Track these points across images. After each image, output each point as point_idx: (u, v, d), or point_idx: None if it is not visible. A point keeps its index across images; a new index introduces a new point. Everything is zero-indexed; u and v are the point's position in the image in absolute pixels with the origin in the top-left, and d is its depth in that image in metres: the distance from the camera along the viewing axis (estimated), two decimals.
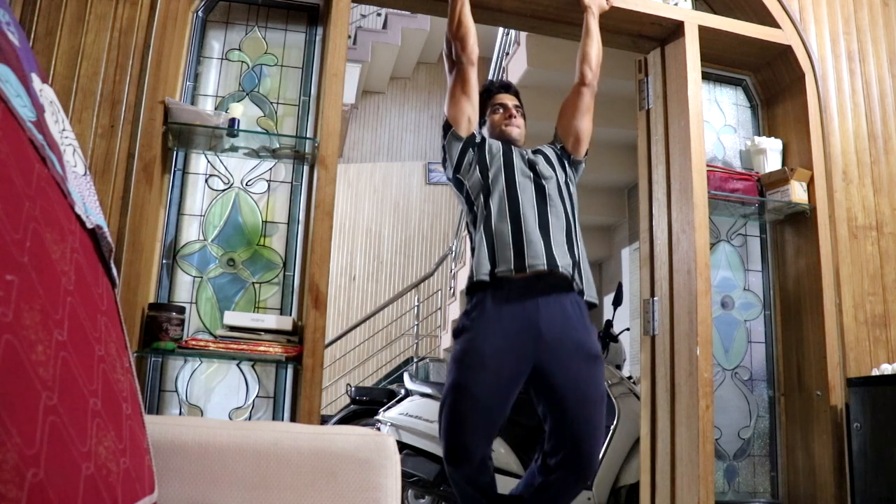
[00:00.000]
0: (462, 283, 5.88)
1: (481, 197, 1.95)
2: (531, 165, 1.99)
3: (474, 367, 1.79)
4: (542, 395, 1.86)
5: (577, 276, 1.88)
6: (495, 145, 2.02)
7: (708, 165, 2.33)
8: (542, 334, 1.80)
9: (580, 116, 2.10)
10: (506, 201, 1.91)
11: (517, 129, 2.09)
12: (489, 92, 2.16)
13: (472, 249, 1.96)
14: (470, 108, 2.00)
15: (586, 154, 2.15)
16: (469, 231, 2.05)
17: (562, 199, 1.97)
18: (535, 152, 2.06)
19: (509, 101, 2.13)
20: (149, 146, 1.89)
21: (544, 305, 1.82)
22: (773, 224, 2.55)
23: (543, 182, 1.96)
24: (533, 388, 1.88)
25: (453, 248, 7.34)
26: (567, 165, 2.08)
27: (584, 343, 1.85)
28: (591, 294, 1.93)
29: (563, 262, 1.86)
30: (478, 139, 2.03)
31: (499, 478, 2.92)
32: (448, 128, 2.02)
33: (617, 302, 3.25)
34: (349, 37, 6.04)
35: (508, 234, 1.86)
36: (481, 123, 2.13)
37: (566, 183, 2.03)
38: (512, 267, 1.83)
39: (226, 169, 2.11)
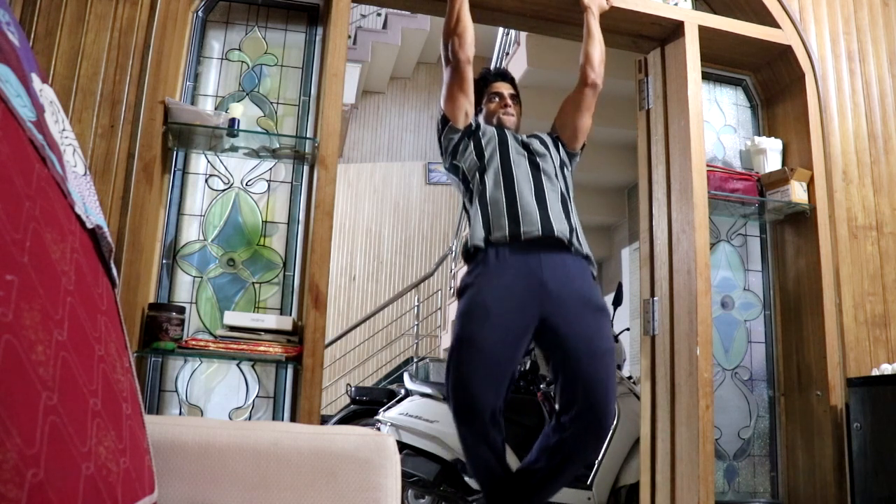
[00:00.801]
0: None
1: (477, 175, 1.98)
2: (525, 146, 2.04)
3: (479, 319, 1.78)
4: (551, 348, 1.85)
5: (574, 240, 1.90)
6: (489, 129, 2.07)
7: (708, 165, 2.33)
8: (546, 286, 1.81)
9: (580, 114, 2.14)
10: (500, 175, 1.94)
11: (512, 117, 2.14)
12: (485, 80, 2.20)
13: (469, 224, 1.98)
14: (467, 104, 2.05)
15: (582, 148, 2.19)
16: (465, 209, 2.07)
17: (556, 177, 2.00)
18: (529, 136, 2.11)
19: (505, 89, 2.17)
20: (149, 146, 1.89)
21: (546, 259, 1.84)
22: (773, 224, 2.55)
23: (538, 159, 2.00)
24: (541, 344, 1.88)
25: (453, 248, 7.34)
26: (561, 152, 2.12)
27: (589, 295, 1.86)
28: (589, 252, 1.96)
29: (560, 227, 1.88)
30: (473, 126, 2.07)
31: None
32: (445, 122, 2.06)
33: (617, 302, 3.25)
34: (349, 37, 6.04)
35: (503, 203, 1.89)
36: (477, 112, 2.17)
37: (560, 166, 2.06)
38: (507, 234, 1.85)
39: (226, 169, 2.11)
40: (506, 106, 2.13)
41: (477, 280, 1.84)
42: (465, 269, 1.99)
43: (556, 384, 1.86)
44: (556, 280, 1.83)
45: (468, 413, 1.77)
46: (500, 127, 2.09)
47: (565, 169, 2.08)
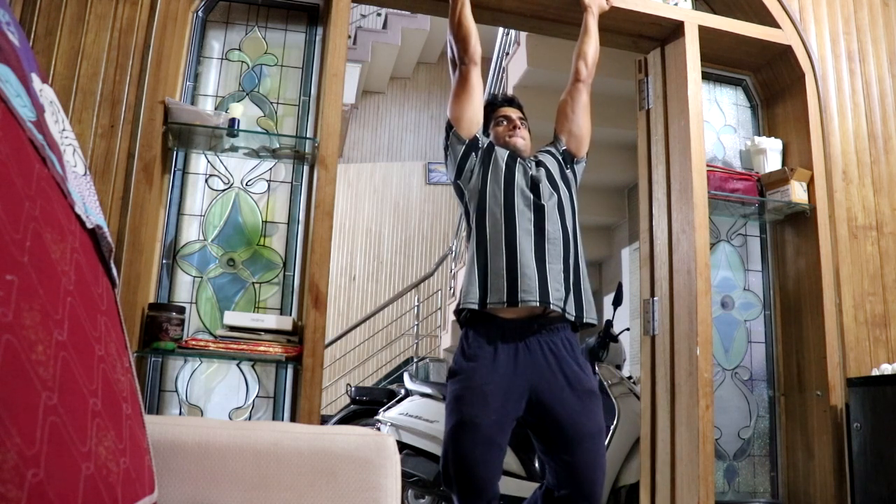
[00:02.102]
0: (462, 282, 5.87)
1: (476, 215, 1.90)
2: (534, 185, 1.93)
3: (477, 403, 1.76)
4: (541, 432, 1.83)
5: (568, 307, 1.85)
6: (502, 156, 1.97)
7: (708, 165, 2.33)
8: (538, 368, 1.79)
9: (579, 115, 2.07)
10: (502, 225, 1.86)
11: (522, 139, 2.04)
12: (493, 105, 2.12)
13: (468, 273, 1.92)
14: (471, 109, 1.96)
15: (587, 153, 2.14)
16: (467, 233, 2.03)
17: (562, 220, 1.91)
18: (538, 165, 2.00)
19: (513, 113, 2.09)
20: (149, 146, 1.89)
21: (535, 344, 1.81)
22: (773, 224, 2.55)
23: (543, 203, 1.90)
24: (531, 429, 1.87)
25: (453, 248, 7.34)
26: (570, 169, 2.05)
27: (579, 378, 1.82)
28: (590, 316, 1.90)
29: (556, 297, 1.82)
30: (482, 143, 1.99)
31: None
32: (450, 128, 1.98)
33: (617, 302, 3.25)
34: (349, 37, 6.04)
35: (503, 265, 1.83)
36: (486, 135, 2.08)
37: (569, 199, 1.98)
38: (504, 299, 1.80)
39: (226, 169, 2.11)
40: (515, 128, 2.05)
41: (470, 366, 1.81)
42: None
43: (543, 454, 1.86)
44: (547, 365, 1.81)
45: (475, 494, 1.75)
46: (512, 154, 1.99)
47: (573, 198, 2.00)
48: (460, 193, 2.00)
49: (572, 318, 1.86)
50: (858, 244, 2.41)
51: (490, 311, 1.82)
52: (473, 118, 1.96)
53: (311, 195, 2.04)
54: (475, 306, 1.81)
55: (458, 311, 1.89)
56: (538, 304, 1.79)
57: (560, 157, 2.06)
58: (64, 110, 0.86)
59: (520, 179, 1.92)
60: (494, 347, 1.80)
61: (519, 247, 1.84)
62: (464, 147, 1.95)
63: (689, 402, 2.12)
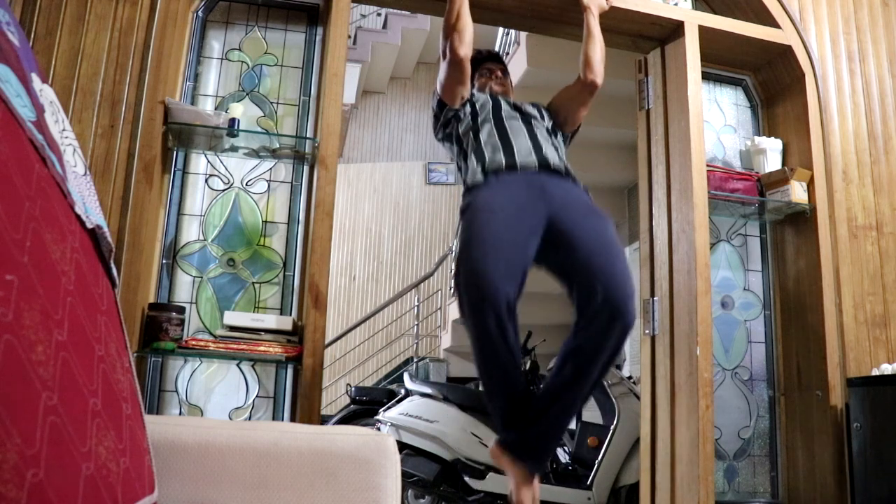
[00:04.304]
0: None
1: (471, 134, 2.01)
2: (517, 108, 2.09)
3: (486, 219, 1.70)
4: (562, 250, 1.75)
5: (570, 170, 1.92)
6: (482, 95, 2.14)
7: (708, 165, 2.33)
8: (549, 193, 1.81)
9: (575, 110, 2.17)
10: (494, 129, 1.98)
11: (502, 87, 2.24)
12: (477, 61, 2.26)
13: (465, 180, 1.96)
14: (463, 91, 2.10)
15: (573, 135, 2.23)
16: (460, 168, 2.07)
17: (549, 136, 2.03)
18: (522, 104, 2.16)
19: (496, 67, 2.28)
20: (149, 146, 1.89)
21: (547, 177, 1.86)
22: (773, 224, 2.55)
23: (531, 118, 2.05)
24: (552, 253, 1.77)
25: (453, 248, 7.34)
26: (554, 124, 2.15)
27: (592, 204, 1.87)
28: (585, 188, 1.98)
29: (555, 160, 1.90)
30: (467, 98, 2.13)
31: (499, 477, 2.93)
32: (442, 105, 2.11)
33: None
34: (349, 37, 6.04)
35: (498, 144, 1.92)
36: (471, 87, 2.23)
37: (553, 130, 2.11)
38: (504, 164, 1.86)
39: (226, 169, 2.11)
40: (496, 77, 2.25)
41: (479, 193, 1.81)
42: None
43: (571, 293, 1.73)
44: (558, 190, 1.84)
45: (484, 302, 1.59)
46: (493, 95, 2.16)
47: (558, 134, 2.13)
48: (449, 137, 2.11)
49: (574, 177, 1.92)
50: (858, 244, 2.41)
51: (491, 170, 1.87)
52: (465, 95, 2.11)
53: (311, 195, 2.04)
54: (481, 178, 1.86)
55: (466, 192, 1.92)
56: (537, 166, 1.87)
57: (544, 111, 2.18)
58: (64, 110, 0.86)
59: (504, 105, 2.08)
60: (504, 178, 1.84)
61: (512, 135, 1.95)
62: (455, 110, 2.10)
63: (689, 402, 2.12)
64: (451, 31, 2.03)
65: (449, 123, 2.10)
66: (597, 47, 2.15)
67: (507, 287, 1.61)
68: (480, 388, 4.78)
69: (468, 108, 2.08)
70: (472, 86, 2.23)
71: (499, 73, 2.26)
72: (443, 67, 2.09)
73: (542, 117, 2.11)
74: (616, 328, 1.64)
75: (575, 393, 1.69)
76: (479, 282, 1.60)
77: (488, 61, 2.30)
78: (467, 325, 1.66)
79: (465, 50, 2.02)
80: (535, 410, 1.70)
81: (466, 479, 2.98)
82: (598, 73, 2.14)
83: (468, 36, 2.03)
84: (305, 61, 2.22)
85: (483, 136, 1.97)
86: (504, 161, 1.86)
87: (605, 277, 1.66)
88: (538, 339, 3.49)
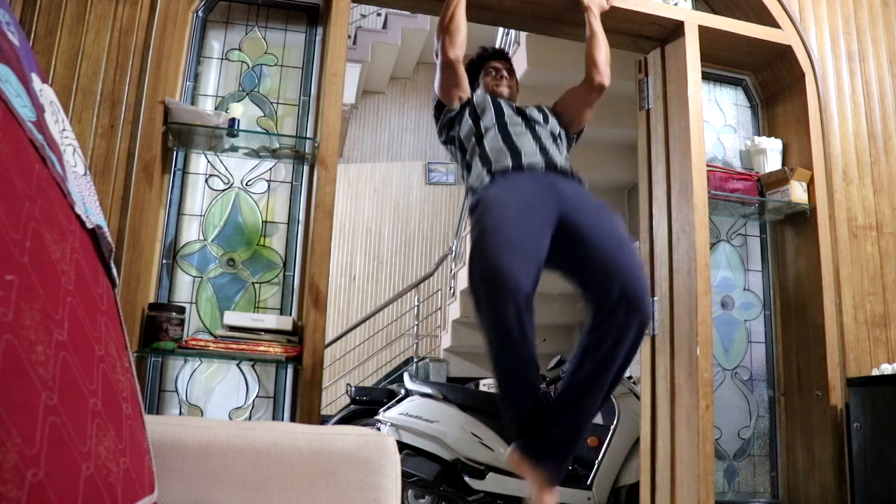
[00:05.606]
0: (462, 283, 5.88)
1: (473, 139, 1.99)
2: (520, 112, 2.06)
3: (498, 212, 1.67)
4: (575, 248, 1.72)
5: (576, 173, 1.91)
6: (483, 98, 2.09)
7: (708, 165, 2.33)
8: (559, 189, 1.80)
9: (581, 111, 2.15)
10: (499, 135, 1.95)
11: (507, 88, 2.19)
12: (482, 58, 2.25)
13: (471, 184, 1.94)
14: (460, 92, 2.08)
15: (578, 136, 2.21)
16: (463, 176, 2.06)
17: (554, 140, 2.01)
18: (526, 106, 2.13)
19: (501, 65, 2.24)
20: (149, 146, 1.89)
21: (555, 176, 1.85)
22: (773, 224, 2.55)
23: (535, 123, 2.02)
24: (564, 252, 1.73)
25: (453, 248, 7.34)
26: (559, 126, 2.13)
27: (600, 203, 1.85)
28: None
29: (562, 162, 1.90)
30: (468, 99, 2.10)
31: (499, 477, 2.93)
32: (441, 107, 2.10)
33: None
34: (349, 37, 6.04)
35: (503, 147, 1.90)
36: (475, 86, 2.21)
37: (557, 133, 2.07)
38: (510, 165, 1.84)
39: (226, 169, 2.11)
40: (501, 77, 2.19)
41: (488, 189, 1.79)
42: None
43: (585, 289, 1.71)
44: (567, 187, 1.82)
45: (503, 294, 1.52)
46: (495, 97, 2.12)
47: (562, 136, 2.11)
48: (452, 141, 2.09)
49: (580, 179, 1.91)
50: (858, 244, 2.41)
51: (497, 171, 1.85)
52: (463, 96, 2.09)
53: (311, 195, 2.04)
54: (486, 177, 1.84)
55: (471, 193, 1.91)
56: (544, 167, 1.85)
57: (549, 112, 2.15)
58: (64, 110, 0.86)
59: (507, 110, 2.04)
60: (513, 176, 1.82)
61: (516, 138, 1.92)
62: (455, 112, 2.08)
63: (689, 402, 2.12)
64: (442, 32, 2.03)
65: (451, 126, 2.09)
66: (601, 48, 2.13)
67: (525, 279, 1.55)
68: (480, 389, 4.78)
69: (468, 111, 2.06)
70: (477, 85, 2.21)
71: (504, 73, 2.21)
72: (437, 68, 2.09)
73: (547, 120, 2.08)
74: (634, 322, 1.61)
75: (595, 390, 1.65)
76: (498, 274, 1.53)
77: (493, 59, 2.26)
78: (483, 321, 1.59)
79: (457, 52, 2.01)
80: (555, 410, 1.65)
81: (466, 479, 2.98)
82: (605, 75, 2.12)
83: (460, 37, 2.02)
84: (305, 61, 2.22)
85: (487, 143, 1.94)
86: (511, 163, 1.85)
87: (620, 272, 1.64)
88: (538, 340, 3.49)
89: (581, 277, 1.74)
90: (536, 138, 1.95)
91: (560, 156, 1.93)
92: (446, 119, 2.10)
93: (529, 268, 1.58)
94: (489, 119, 2.00)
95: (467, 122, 2.03)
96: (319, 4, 2.24)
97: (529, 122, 2.01)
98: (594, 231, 1.72)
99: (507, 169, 1.84)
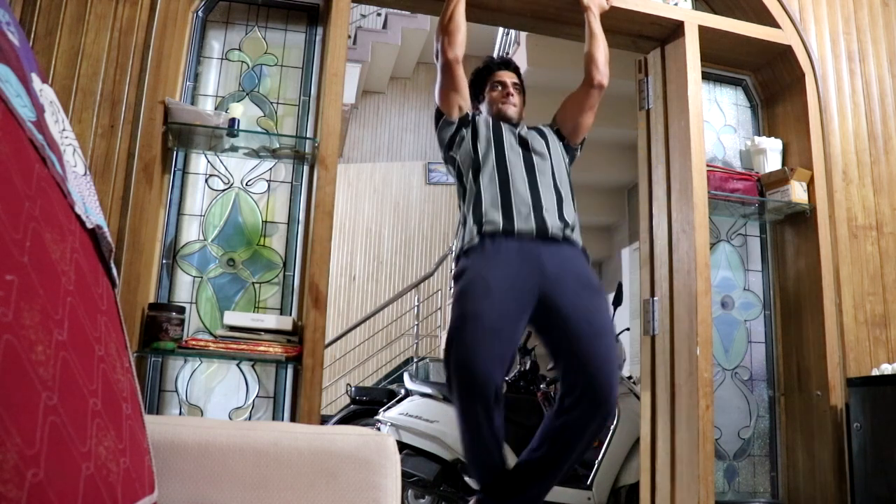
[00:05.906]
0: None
1: (471, 173, 1.98)
2: (522, 143, 2.03)
3: (480, 295, 1.74)
4: (550, 329, 1.81)
5: (569, 234, 1.91)
6: (484, 121, 2.06)
7: (708, 165, 2.33)
8: (543, 266, 1.81)
9: (583, 113, 2.14)
10: (495, 173, 1.94)
11: (513, 107, 2.13)
12: (489, 69, 2.19)
13: (463, 224, 1.97)
14: (459, 99, 2.05)
15: (582, 143, 2.19)
16: (460, 206, 2.07)
17: (553, 175, 2.00)
18: (529, 129, 2.10)
19: (508, 78, 2.16)
20: (149, 146, 1.89)
21: (543, 247, 1.85)
22: (773, 224, 2.55)
23: (534, 157, 2.00)
24: (539, 324, 1.83)
25: (453, 248, 7.33)
26: (560, 146, 2.12)
27: (587, 277, 1.87)
28: (584, 248, 1.97)
29: (553, 225, 1.88)
30: (470, 116, 2.07)
31: None
32: (440, 115, 2.08)
33: (617, 302, 3.25)
34: (349, 37, 6.04)
35: (497, 194, 1.90)
36: (480, 99, 2.18)
37: (560, 162, 2.06)
38: (500, 228, 1.85)
39: (226, 169, 2.11)
40: (508, 95, 2.12)
41: (474, 262, 1.83)
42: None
43: (557, 368, 1.81)
44: (553, 262, 1.83)
45: (474, 388, 1.67)
46: (499, 119, 2.09)
47: (564, 163, 2.09)
48: (452, 161, 2.07)
49: (573, 243, 1.91)
50: (858, 244, 2.41)
51: (487, 233, 1.86)
52: (463, 104, 2.06)
53: (311, 195, 2.04)
54: (477, 239, 1.86)
55: (460, 251, 1.93)
56: (535, 233, 1.85)
57: (553, 131, 2.14)
58: (64, 110, 0.86)
59: (508, 138, 2.02)
60: (499, 245, 1.83)
61: (513, 186, 1.91)
62: (455, 125, 2.05)
63: (689, 402, 2.12)
64: (442, 32, 2.03)
65: (451, 144, 2.05)
66: (600, 47, 2.14)
67: (496, 374, 1.69)
68: None
69: (469, 133, 2.02)
70: (482, 100, 2.15)
71: (511, 90, 2.11)
72: (438, 71, 2.07)
73: (549, 146, 2.04)
74: (597, 416, 1.73)
75: (553, 471, 1.78)
76: (471, 369, 1.68)
77: (500, 70, 2.16)
78: (454, 399, 1.74)
79: (456, 51, 2.00)
80: (514, 485, 1.77)
81: (466, 479, 2.98)
82: (604, 74, 2.12)
83: (459, 37, 2.01)
84: (305, 61, 2.22)
85: (483, 181, 1.93)
86: (501, 225, 1.85)
87: (589, 363, 1.73)
88: (538, 340, 3.49)
89: (555, 356, 1.83)
90: (533, 182, 1.93)
91: (554, 213, 1.90)
92: (446, 133, 2.06)
93: (502, 360, 1.72)
94: (487, 145, 1.98)
95: (466, 146, 2.01)
96: (319, 4, 2.24)
97: (529, 153, 1.99)
98: (572, 315, 1.78)
99: (497, 231, 1.84)
